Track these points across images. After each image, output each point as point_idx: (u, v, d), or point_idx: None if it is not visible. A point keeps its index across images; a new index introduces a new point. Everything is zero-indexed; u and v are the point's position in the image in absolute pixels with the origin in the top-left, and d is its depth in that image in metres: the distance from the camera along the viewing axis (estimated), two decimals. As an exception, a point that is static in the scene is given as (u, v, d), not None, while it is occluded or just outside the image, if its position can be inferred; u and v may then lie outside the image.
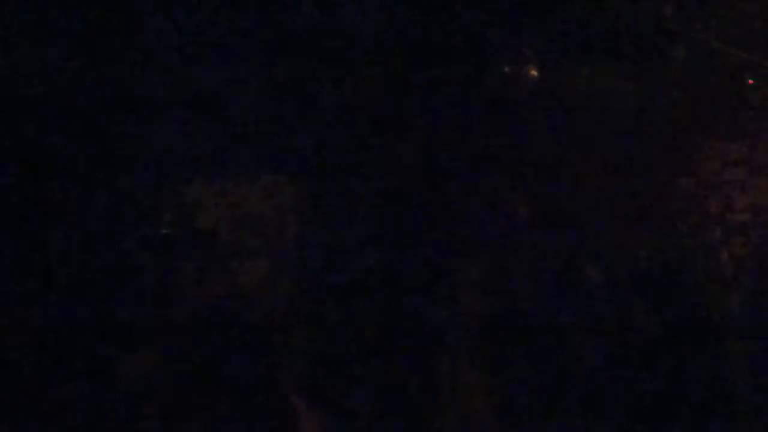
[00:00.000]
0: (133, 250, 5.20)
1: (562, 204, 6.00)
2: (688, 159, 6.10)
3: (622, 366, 5.29)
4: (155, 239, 5.36)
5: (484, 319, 5.44)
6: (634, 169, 6.06)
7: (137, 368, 4.85)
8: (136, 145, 5.27)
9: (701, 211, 6.05)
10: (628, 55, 5.42)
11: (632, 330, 5.47)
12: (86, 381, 4.73)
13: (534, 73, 5.32)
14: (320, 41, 5.22)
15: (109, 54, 4.90)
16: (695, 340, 5.31)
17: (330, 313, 5.35)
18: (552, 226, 5.97)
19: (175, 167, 5.52)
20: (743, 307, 5.57)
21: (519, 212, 6.01)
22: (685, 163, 6.10)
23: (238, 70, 5.27)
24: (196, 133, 5.43)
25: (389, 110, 5.63)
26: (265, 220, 5.76)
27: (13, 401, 4.53)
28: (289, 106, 5.49)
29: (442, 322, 5.33)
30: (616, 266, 5.86)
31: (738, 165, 6.04)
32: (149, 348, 4.91)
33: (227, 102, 5.37)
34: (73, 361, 4.74)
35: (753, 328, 5.44)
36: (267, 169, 5.74)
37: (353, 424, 4.97)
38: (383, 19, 5.12)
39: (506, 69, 5.33)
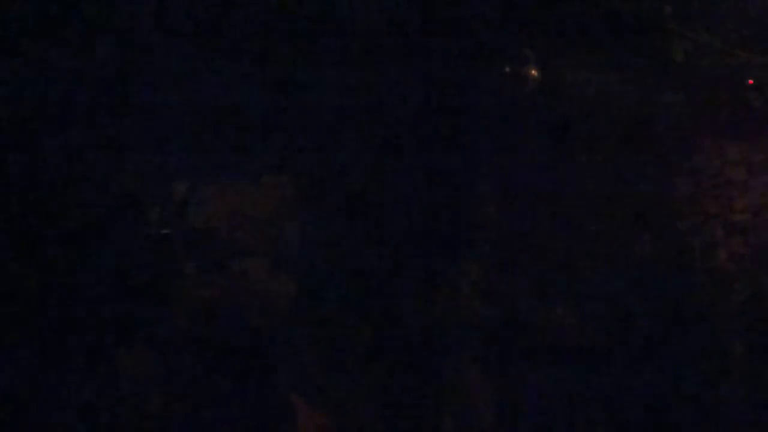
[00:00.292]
0: (133, 251, 5.21)
1: (563, 204, 6.01)
2: (688, 159, 6.10)
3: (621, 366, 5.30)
4: (155, 239, 5.37)
5: (484, 319, 5.45)
6: (634, 168, 6.07)
7: (137, 367, 4.85)
8: (136, 145, 5.28)
9: (701, 211, 6.06)
10: (628, 55, 5.42)
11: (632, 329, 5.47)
12: (86, 381, 4.73)
13: (534, 73, 5.31)
14: (320, 42, 5.22)
15: (109, 54, 4.90)
16: (695, 340, 5.32)
17: (330, 313, 5.35)
18: (552, 226, 5.98)
19: (175, 167, 5.52)
20: (743, 307, 5.57)
21: (519, 212, 6.02)
22: (685, 163, 6.10)
23: (238, 71, 5.27)
24: (196, 133, 5.43)
25: (389, 110, 5.63)
26: (265, 220, 5.76)
27: (12, 400, 4.53)
28: (288, 106, 5.49)
29: (443, 322, 5.33)
30: (616, 266, 5.87)
31: (738, 165, 6.05)
32: (149, 347, 4.92)
33: (227, 102, 5.38)
34: (73, 361, 4.75)
35: (753, 328, 5.45)
36: (267, 169, 5.75)
37: (354, 424, 4.97)
38: (383, 20, 5.12)
39: (506, 69, 5.33)
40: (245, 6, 4.95)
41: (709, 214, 6.04)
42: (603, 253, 5.92)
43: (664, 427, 5.09)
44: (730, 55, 5.53)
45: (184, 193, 5.58)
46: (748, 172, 6.04)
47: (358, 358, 5.07)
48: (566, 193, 6.03)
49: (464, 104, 5.68)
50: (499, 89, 5.37)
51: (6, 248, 4.78)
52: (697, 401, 5.12)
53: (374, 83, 5.48)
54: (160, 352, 4.93)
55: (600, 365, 5.28)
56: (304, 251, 5.77)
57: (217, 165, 5.58)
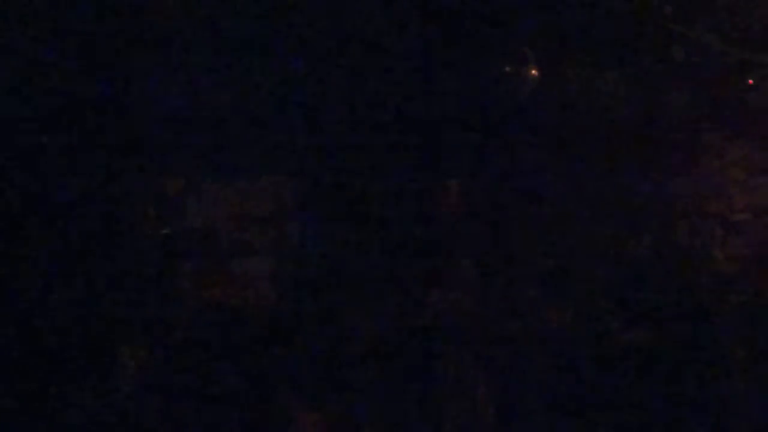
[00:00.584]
0: (134, 250, 5.20)
1: (562, 203, 6.01)
2: (688, 159, 6.09)
3: (621, 366, 5.30)
4: (155, 239, 5.36)
5: (484, 319, 5.44)
6: (634, 168, 6.06)
7: (137, 367, 4.85)
8: (135, 145, 5.27)
9: (701, 211, 6.05)
10: (628, 55, 5.42)
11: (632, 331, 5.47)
12: (86, 380, 4.73)
13: (534, 73, 5.31)
14: (320, 42, 5.22)
15: (109, 55, 4.90)
16: (695, 340, 5.31)
17: (329, 312, 5.35)
18: (552, 226, 5.97)
19: (175, 167, 5.52)
20: (743, 307, 5.57)
21: (519, 212, 6.01)
22: (685, 163, 6.10)
23: (238, 70, 5.27)
24: (196, 133, 5.43)
25: (389, 110, 5.63)
26: (265, 220, 5.76)
27: (13, 400, 4.53)
28: (289, 106, 5.49)
29: (443, 322, 5.33)
30: (616, 266, 5.87)
31: (738, 165, 6.04)
32: (149, 347, 4.92)
33: (227, 102, 5.38)
34: (72, 361, 4.75)
35: (753, 328, 5.44)
36: (267, 169, 5.75)
37: (353, 424, 4.97)
38: (383, 20, 5.12)
39: (506, 69, 5.33)
40: (246, 4, 4.95)
41: (709, 214, 6.03)
42: (602, 253, 5.91)
43: (664, 428, 5.08)
44: (730, 55, 5.52)
45: (184, 192, 5.57)
46: (748, 172, 6.03)
47: (358, 358, 5.07)
48: (566, 192, 6.02)
49: (464, 104, 5.67)
50: (499, 89, 5.37)
51: (4, 248, 4.78)
52: (696, 401, 5.12)
53: (374, 83, 5.48)
54: (160, 352, 4.93)
55: (600, 366, 5.28)
56: (305, 251, 5.77)
57: (217, 165, 5.57)
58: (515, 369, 5.19)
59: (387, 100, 5.57)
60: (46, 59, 4.70)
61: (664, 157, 6.07)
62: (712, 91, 5.83)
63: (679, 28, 5.21)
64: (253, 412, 4.72)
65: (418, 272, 5.60)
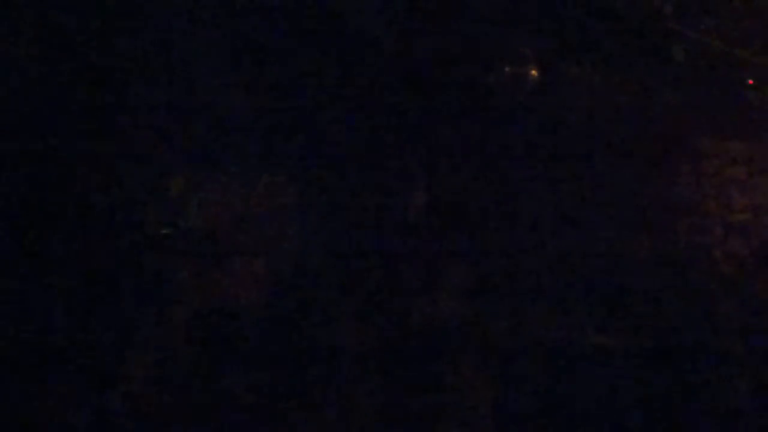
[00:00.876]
0: (133, 250, 5.21)
1: (562, 203, 6.01)
2: (688, 159, 6.10)
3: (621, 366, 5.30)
4: (155, 239, 5.36)
5: (484, 319, 5.45)
6: (634, 168, 6.06)
7: (137, 367, 4.85)
8: (136, 145, 5.28)
9: (701, 211, 6.05)
10: (628, 55, 5.42)
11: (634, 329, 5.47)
12: (86, 380, 4.73)
13: (534, 73, 5.31)
14: (321, 42, 5.22)
15: (108, 55, 4.90)
16: (695, 340, 5.32)
17: (329, 312, 5.35)
18: (551, 226, 5.98)
19: (175, 167, 5.52)
20: (743, 307, 5.57)
21: (519, 212, 6.01)
22: (685, 163, 6.10)
23: (238, 70, 5.27)
24: (196, 133, 5.43)
25: (389, 110, 5.63)
26: (265, 220, 5.76)
27: (13, 401, 4.53)
28: (289, 106, 5.49)
29: (442, 323, 5.33)
30: (616, 266, 5.87)
31: (738, 165, 6.04)
32: (149, 347, 4.92)
33: (228, 102, 5.38)
34: (73, 360, 4.75)
35: (753, 329, 5.44)
36: (267, 169, 5.75)
37: (353, 423, 4.97)
38: (382, 21, 5.12)
39: (506, 69, 5.33)
40: (247, 5, 4.95)
41: (709, 214, 6.04)
42: (602, 253, 5.91)
43: (665, 428, 5.08)
44: (730, 55, 5.52)
45: (184, 192, 5.58)
46: (748, 172, 6.03)
47: (358, 358, 5.07)
48: (566, 192, 6.03)
49: (464, 104, 5.68)
50: (499, 89, 5.37)
51: (4, 247, 4.78)
52: (697, 401, 5.12)
53: (374, 83, 5.48)
54: (160, 352, 4.93)
55: (599, 366, 5.28)
56: (304, 251, 5.77)
57: (216, 165, 5.57)
58: (516, 370, 5.20)
59: (386, 100, 5.58)
60: (44, 57, 4.70)
61: (664, 158, 6.07)
62: (712, 91, 5.83)
63: (679, 28, 5.20)
64: (253, 411, 4.72)
65: (418, 272, 5.61)
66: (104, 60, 4.94)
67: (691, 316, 5.46)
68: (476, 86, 5.49)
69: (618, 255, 5.92)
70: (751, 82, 5.66)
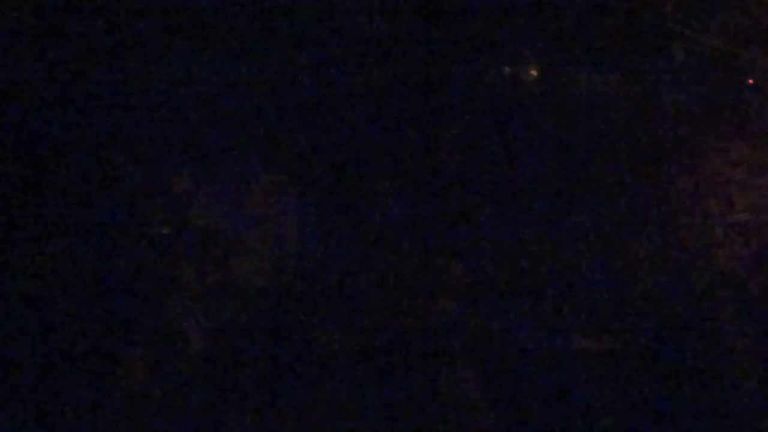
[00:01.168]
0: (134, 250, 5.21)
1: (562, 203, 6.01)
2: (688, 159, 6.09)
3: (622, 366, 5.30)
4: (155, 239, 5.36)
5: (483, 319, 5.45)
6: (634, 168, 6.06)
7: (136, 367, 4.85)
8: (136, 145, 5.28)
9: (701, 211, 6.05)
10: (628, 55, 5.42)
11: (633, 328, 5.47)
12: (87, 380, 4.73)
13: (534, 73, 5.32)
14: (321, 42, 5.22)
15: (109, 55, 4.90)
16: (695, 340, 5.32)
17: (329, 312, 5.35)
18: (551, 226, 5.98)
19: (175, 167, 5.52)
20: (743, 307, 5.57)
21: (519, 212, 6.01)
22: (685, 163, 6.09)
23: (238, 70, 5.27)
24: (196, 134, 5.43)
25: (389, 110, 5.63)
26: (265, 220, 5.76)
27: (13, 400, 4.53)
28: (288, 106, 5.49)
29: (442, 323, 5.33)
30: (616, 266, 5.87)
31: (738, 165, 6.04)
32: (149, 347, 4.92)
33: (228, 102, 5.38)
34: (73, 360, 4.75)
35: (753, 328, 5.44)
36: (267, 169, 5.75)
37: (353, 421, 4.97)
38: (383, 20, 5.12)
39: (506, 69, 5.33)
40: (247, 5, 4.95)
41: (709, 214, 6.03)
42: (602, 254, 5.91)
43: (665, 428, 5.08)
44: (730, 55, 5.52)
45: (184, 192, 5.58)
46: (748, 172, 6.03)
47: (358, 358, 5.07)
48: (565, 192, 6.02)
49: (464, 104, 5.67)
50: (499, 89, 5.38)
51: (5, 247, 4.78)
52: (697, 401, 5.12)
53: (374, 83, 5.48)
54: (160, 352, 4.93)
55: (599, 366, 5.28)
56: (304, 251, 5.77)
57: (217, 165, 5.57)
58: (515, 370, 5.20)
59: (386, 100, 5.58)
60: (44, 56, 4.70)
61: (665, 158, 6.07)
62: (712, 91, 5.83)
63: (679, 28, 5.20)
64: (253, 410, 4.72)
65: (418, 272, 5.60)
66: (105, 60, 4.94)
67: (691, 317, 5.46)
68: (476, 86, 5.49)
69: (617, 255, 5.92)
70: (751, 82, 5.66)
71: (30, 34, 4.61)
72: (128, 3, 4.82)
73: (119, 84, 5.03)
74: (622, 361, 5.31)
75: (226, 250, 5.57)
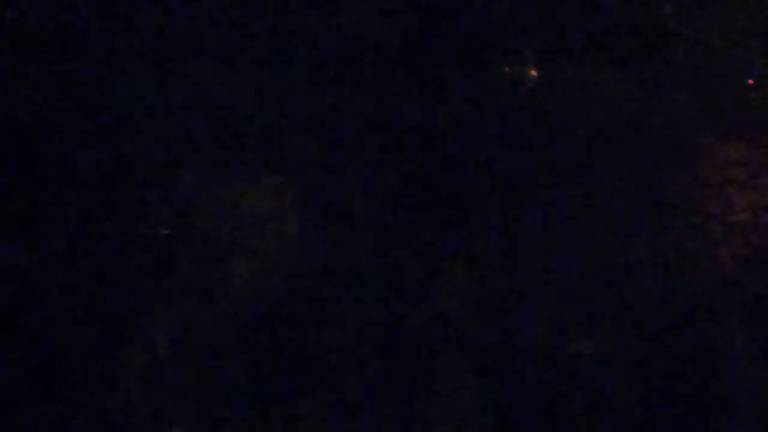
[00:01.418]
0: (133, 250, 5.21)
1: (562, 203, 6.01)
2: (688, 159, 6.09)
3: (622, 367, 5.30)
4: (155, 239, 5.37)
5: (483, 319, 5.45)
6: (634, 168, 6.06)
7: (136, 366, 4.85)
8: (136, 145, 5.28)
9: (701, 211, 6.05)
10: (628, 55, 5.42)
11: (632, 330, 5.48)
12: (86, 379, 4.73)
13: (534, 73, 5.32)
14: (321, 42, 5.22)
15: (109, 54, 4.90)
16: (695, 340, 5.32)
17: (329, 312, 5.35)
18: (551, 226, 5.98)
19: (175, 167, 5.52)
20: (743, 307, 5.57)
21: (518, 212, 6.01)
22: (685, 163, 6.10)
23: (238, 71, 5.28)
24: (196, 134, 5.43)
25: (389, 111, 5.63)
26: (265, 220, 5.76)
27: (13, 400, 4.53)
28: (289, 106, 5.50)
29: (441, 323, 5.34)
30: (616, 266, 5.87)
31: (738, 165, 6.04)
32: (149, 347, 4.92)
33: (228, 103, 5.39)
34: (73, 360, 4.75)
35: (753, 329, 5.44)
36: (267, 169, 5.75)
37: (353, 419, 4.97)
38: (383, 21, 5.12)
39: (506, 69, 5.33)
40: (246, 7, 4.95)
41: (709, 214, 6.03)
42: (602, 254, 5.92)
43: (665, 427, 5.09)
44: (730, 55, 5.52)
45: (184, 192, 5.58)
46: (748, 172, 6.03)
47: (358, 357, 5.07)
48: (565, 192, 6.03)
49: (464, 105, 5.68)
50: (499, 89, 5.38)
51: (5, 246, 4.78)
52: (697, 401, 5.12)
53: (374, 83, 5.48)
54: (160, 352, 4.93)
55: (599, 366, 5.28)
56: (304, 251, 5.77)
57: (217, 165, 5.58)
58: (514, 370, 5.20)
59: (387, 100, 5.58)
60: (45, 59, 4.70)
61: (664, 157, 6.08)
62: (712, 91, 5.83)
63: (679, 28, 5.20)
64: (252, 410, 4.72)
65: (418, 272, 5.61)
66: (104, 60, 4.94)
67: (691, 317, 5.46)
68: (475, 87, 5.49)
69: (617, 255, 5.92)
70: (751, 82, 5.66)
71: (30, 32, 4.62)
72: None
73: (119, 84, 5.04)
74: (619, 362, 5.32)
75: (226, 250, 5.58)
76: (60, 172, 5.01)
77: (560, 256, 5.93)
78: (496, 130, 5.85)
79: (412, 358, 5.14)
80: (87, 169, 5.09)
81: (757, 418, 5.13)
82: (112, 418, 4.67)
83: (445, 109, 5.66)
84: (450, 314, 5.36)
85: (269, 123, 5.51)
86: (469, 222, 5.94)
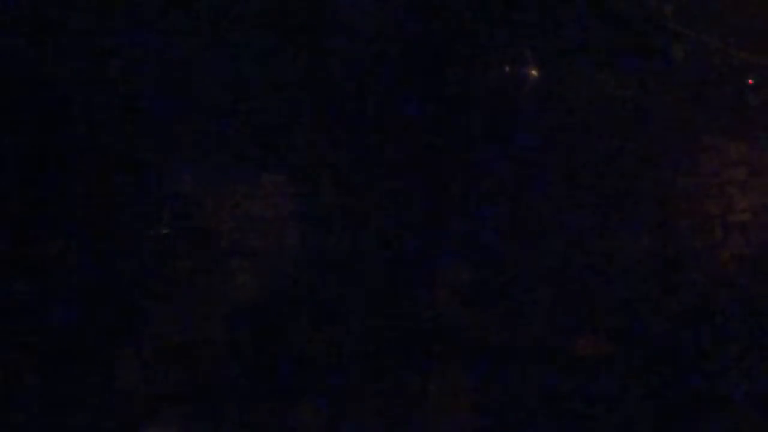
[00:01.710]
0: (133, 251, 5.21)
1: (561, 203, 6.01)
2: (688, 159, 6.09)
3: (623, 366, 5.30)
4: (155, 239, 5.37)
5: (483, 319, 5.45)
6: (634, 168, 6.06)
7: (136, 366, 4.85)
8: (136, 145, 5.28)
9: (701, 211, 6.05)
10: (628, 55, 5.42)
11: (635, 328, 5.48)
12: (86, 378, 4.73)
13: (534, 73, 5.32)
14: (321, 41, 5.22)
15: (109, 54, 4.90)
16: (695, 340, 5.32)
17: (329, 313, 5.35)
18: (551, 226, 5.98)
19: (175, 167, 5.52)
20: (744, 308, 5.57)
21: (518, 212, 6.01)
22: (685, 163, 6.10)
23: (238, 70, 5.27)
24: (196, 133, 5.43)
25: (389, 111, 5.63)
26: (265, 220, 5.76)
27: (13, 400, 4.53)
28: (289, 106, 5.49)
29: (441, 322, 5.33)
30: (616, 267, 5.87)
31: (738, 165, 6.04)
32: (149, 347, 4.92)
33: (228, 103, 5.38)
34: (73, 359, 4.75)
35: (753, 329, 5.44)
36: (267, 169, 5.75)
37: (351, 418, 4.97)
38: (383, 20, 5.12)
39: (506, 69, 5.33)
40: (247, 6, 4.95)
41: (709, 214, 6.03)
42: (602, 254, 5.91)
43: (666, 427, 5.09)
44: (730, 55, 5.52)
45: (184, 192, 5.58)
46: (748, 172, 6.03)
47: (358, 358, 5.07)
48: (565, 192, 6.02)
49: (464, 105, 5.67)
50: (499, 89, 5.37)
51: (6, 246, 4.78)
52: (697, 401, 5.12)
53: (374, 83, 5.48)
54: (160, 352, 4.93)
55: (599, 366, 5.28)
56: (304, 251, 5.77)
57: (217, 165, 5.58)
58: (515, 370, 5.20)
59: (386, 100, 5.58)
60: (47, 59, 4.70)
61: (664, 157, 6.07)
62: (712, 91, 5.83)
63: (679, 28, 5.20)
64: (252, 409, 4.72)
65: (417, 272, 5.61)
66: (105, 60, 4.94)
67: (690, 317, 5.46)
68: (476, 86, 5.49)
69: (617, 255, 5.92)
70: (751, 82, 5.66)
71: (30, 30, 4.62)
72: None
73: (118, 83, 5.04)
74: (619, 362, 5.32)
75: (226, 250, 5.58)
76: (60, 171, 5.01)
77: (559, 256, 5.92)
78: (495, 130, 5.85)
79: (412, 358, 5.14)
80: (86, 168, 5.09)
81: (757, 419, 5.13)
82: (110, 416, 4.67)
83: (446, 108, 5.66)
84: (450, 314, 5.36)
85: (270, 123, 5.51)
86: (469, 221, 5.93)
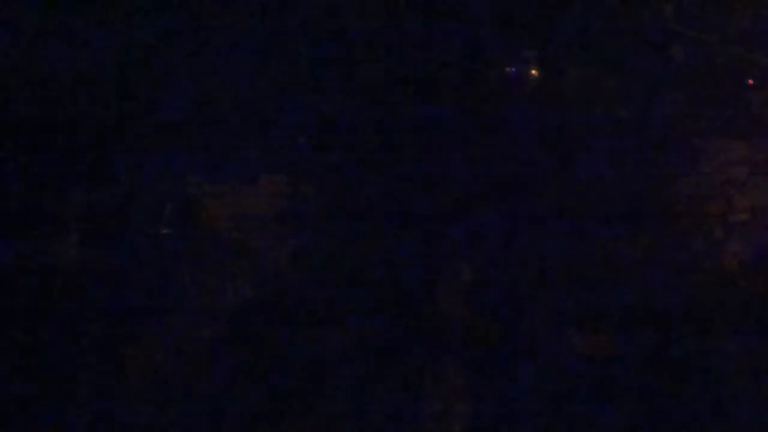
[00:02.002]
0: (133, 251, 5.21)
1: (561, 204, 6.01)
2: (688, 159, 6.09)
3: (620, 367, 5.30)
4: (155, 239, 5.37)
5: (482, 319, 5.45)
6: (633, 168, 6.06)
7: (138, 366, 4.86)
8: (135, 145, 5.28)
9: (701, 211, 6.04)
10: (628, 55, 5.42)
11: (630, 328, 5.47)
12: (86, 379, 4.74)
13: (534, 73, 5.32)
14: (321, 41, 5.22)
15: (109, 53, 4.91)
16: (695, 341, 5.32)
17: (329, 313, 5.35)
18: (551, 227, 5.98)
19: (175, 167, 5.52)
20: (744, 308, 5.57)
21: (518, 213, 6.01)
22: (685, 163, 6.09)
23: (238, 70, 5.27)
24: (196, 133, 5.43)
25: (389, 111, 5.63)
26: (265, 220, 5.76)
27: (13, 401, 4.54)
28: (288, 106, 5.49)
29: (441, 321, 5.33)
30: (616, 267, 5.87)
31: (738, 165, 6.03)
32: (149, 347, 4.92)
33: (228, 102, 5.38)
34: (72, 359, 4.75)
35: (754, 329, 5.44)
36: (267, 169, 5.75)
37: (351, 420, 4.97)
38: (383, 20, 5.12)
39: (506, 69, 5.33)
40: (246, 5, 4.96)
41: (709, 214, 6.03)
42: (602, 254, 5.91)
43: (665, 428, 5.09)
44: (730, 55, 5.52)
45: (184, 192, 5.58)
46: (748, 172, 6.03)
47: (358, 358, 5.07)
48: (565, 193, 6.02)
49: (464, 105, 5.67)
50: (499, 89, 5.38)
51: (6, 246, 4.78)
52: (697, 402, 5.12)
53: (374, 83, 5.48)
54: (160, 352, 4.93)
55: (599, 366, 5.28)
56: (304, 251, 5.77)
57: (216, 165, 5.58)
58: (514, 371, 5.20)
59: (386, 100, 5.58)
60: (45, 55, 4.71)
61: (664, 158, 6.07)
62: (712, 91, 5.83)
63: (679, 28, 5.21)
64: (251, 410, 4.72)
65: (417, 272, 5.61)
66: (105, 61, 4.94)
67: (690, 317, 5.46)
68: (476, 86, 5.49)
69: (616, 255, 5.92)
70: (751, 82, 5.66)
71: (30, 30, 4.63)
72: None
73: (119, 82, 5.04)
74: (619, 362, 5.32)
75: (225, 250, 5.58)
76: (60, 170, 5.01)
77: (558, 256, 5.92)
78: (495, 130, 5.85)
79: (411, 358, 5.14)
80: (86, 167, 5.09)
81: (757, 419, 5.13)
82: (112, 417, 4.67)
83: (446, 108, 5.66)
84: (451, 314, 5.36)
85: (269, 123, 5.51)
86: (469, 222, 5.93)
